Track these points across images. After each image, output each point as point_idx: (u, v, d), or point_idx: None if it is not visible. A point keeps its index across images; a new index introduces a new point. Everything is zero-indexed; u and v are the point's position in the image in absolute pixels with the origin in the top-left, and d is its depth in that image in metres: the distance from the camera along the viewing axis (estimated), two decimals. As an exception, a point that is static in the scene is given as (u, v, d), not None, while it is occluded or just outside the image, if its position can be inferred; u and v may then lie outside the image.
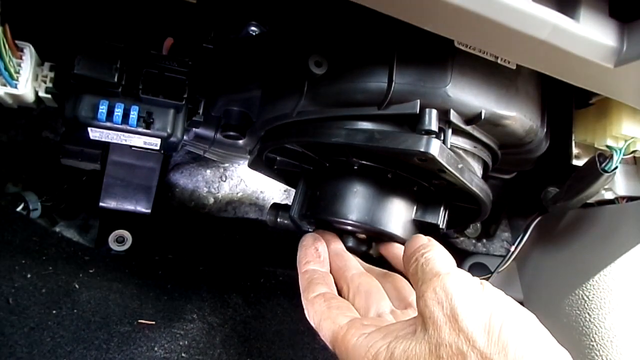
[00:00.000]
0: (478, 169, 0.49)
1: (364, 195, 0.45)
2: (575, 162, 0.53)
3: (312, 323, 0.40)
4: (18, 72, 0.47)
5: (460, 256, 0.76)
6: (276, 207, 0.51)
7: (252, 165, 0.53)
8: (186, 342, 0.56)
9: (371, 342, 0.33)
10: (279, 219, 0.50)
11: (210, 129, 0.61)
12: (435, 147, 0.38)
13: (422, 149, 0.38)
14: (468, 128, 0.42)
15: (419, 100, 0.40)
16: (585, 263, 0.60)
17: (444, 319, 0.30)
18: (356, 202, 0.45)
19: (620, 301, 0.55)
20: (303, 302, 0.41)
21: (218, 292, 0.66)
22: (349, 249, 0.48)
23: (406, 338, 0.31)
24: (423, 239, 0.38)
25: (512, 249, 0.61)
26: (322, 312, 0.39)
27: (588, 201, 0.55)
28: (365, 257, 0.49)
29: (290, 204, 0.50)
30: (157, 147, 0.53)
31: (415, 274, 0.35)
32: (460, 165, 0.41)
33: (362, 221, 0.45)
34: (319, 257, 0.45)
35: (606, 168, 0.48)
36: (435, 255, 0.35)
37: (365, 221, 0.45)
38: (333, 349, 0.37)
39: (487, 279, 0.61)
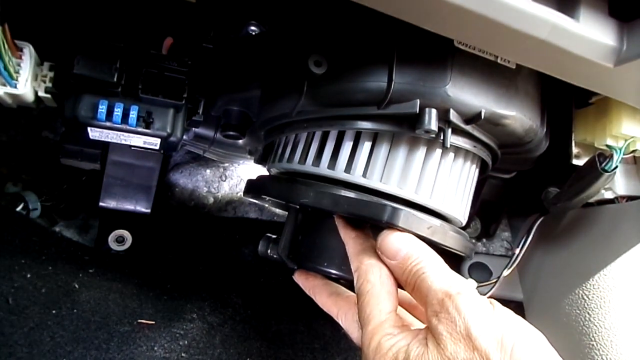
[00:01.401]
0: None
1: (342, 246, 0.44)
2: (575, 161, 0.53)
3: (355, 284, 0.40)
4: (18, 72, 0.47)
5: (460, 256, 0.76)
6: (268, 239, 0.52)
7: (246, 195, 0.54)
8: (186, 342, 0.56)
9: (393, 342, 0.35)
10: (269, 251, 0.51)
11: (210, 128, 0.61)
12: (398, 217, 0.39)
13: (384, 219, 0.40)
14: (468, 127, 0.42)
15: (418, 100, 0.40)
16: (585, 263, 0.60)
17: (458, 337, 0.32)
18: (336, 253, 0.45)
19: (620, 301, 0.55)
20: (353, 264, 0.41)
21: (218, 292, 0.67)
22: (335, 280, 0.49)
23: (421, 344, 0.34)
24: (406, 243, 0.39)
25: (517, 251, 0.61)
26: (374, 286, 0.39)
27: (588, 201, 0.55)
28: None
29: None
30: (157, 147, 0.53)
31: (417, 291, 0.37)
32: (429, 227, 0.41)
33: (339, 273, 0.46)
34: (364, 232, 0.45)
35: (606, 168, 0.48)
36: (434, 269, 0.37)
37: (343, 272, 0.45)
38: (360, 326, 0.39)
39: (494, 284, 0.61)
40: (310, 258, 0.47)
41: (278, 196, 0.46)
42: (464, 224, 0.49)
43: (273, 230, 0.53)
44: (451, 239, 0.44)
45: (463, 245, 0.46)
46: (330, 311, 0.46)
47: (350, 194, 0.42)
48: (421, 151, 0.44)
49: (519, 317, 0.34)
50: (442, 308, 0.33)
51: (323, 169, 0.45)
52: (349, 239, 0.43)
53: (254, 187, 0.51)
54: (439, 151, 0.44)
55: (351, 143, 0.44)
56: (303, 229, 0.49)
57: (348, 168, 0.44)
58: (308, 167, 0.46)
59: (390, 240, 0.39)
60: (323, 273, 0.48)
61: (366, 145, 0.44)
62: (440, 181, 0.45)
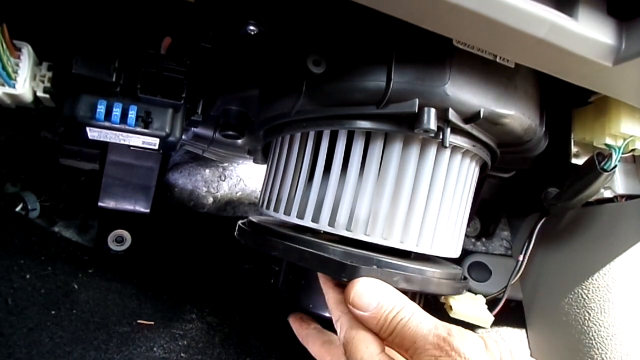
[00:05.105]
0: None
1: None
2: (574, 160, 0.53)
3: (339, 334, 0.41)
4: (16, 72, 0.47)
5: (460, 255, 0.76)
6: (276, 273, 0.55)
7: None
8: (185, 342, 0.56)
9: None
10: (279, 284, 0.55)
11: (209, 128, 0.61)
12: (358, 275, 0.39)
13: (343, 278, 0.40)
14: (467, 127, 0.42)
15: (417, 99, 0.40)
16: (584, 262, 0.60)
17: None
18: (321, 295, 0.45)
19: (619, 300, 0.55)
20: (334, 315, 0.41)
21: (217, 292, 0.67)
22: (326, 320, 0.50)
23: None
24: (375, 294, 0.38)
25: (521, 258, 0.61)
26: (359, 330, 0.39)
27: (588, 200, 0.55)
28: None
29: None
30: (156, 147, 0.52)
31: (398, 338, 0.37)
32: (395, 278, 0.40)
33: (325, 314, 0.47)
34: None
35: (605, 167, 0.48)
36: (411, 314, 0.37)
37: (328, 314, 0.46)
38: None
39: (504, 291, 0.61)
40: (299, 298, 0.50)
41: (255, 246, 0.47)
42: (458, 255, 0.49)
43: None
44: (434, 286, 0.43)
45: (448, 288, 0.45)
46: None
47: (313, 250, 0.42)
48: (414, 161, 0.43)
49: (508, 345, 0.35)
50: (441, 352, 0.34)
51: (307, 221, 0.45)
52: (328, 288, 0.43)
53: (238, 232, 0.52)
54: (434, 151, 0.44)
55: (334, 194, 0.44)
56: (293, 269, 0.51)
57: (332, 220, 0.44)
58: (293, 218, 0.46)
59: (358, 293, 0.39)
60: (310, 314, 0.50)
61: (350, 189, 0.43)
62: (431, 213, 0.44)
